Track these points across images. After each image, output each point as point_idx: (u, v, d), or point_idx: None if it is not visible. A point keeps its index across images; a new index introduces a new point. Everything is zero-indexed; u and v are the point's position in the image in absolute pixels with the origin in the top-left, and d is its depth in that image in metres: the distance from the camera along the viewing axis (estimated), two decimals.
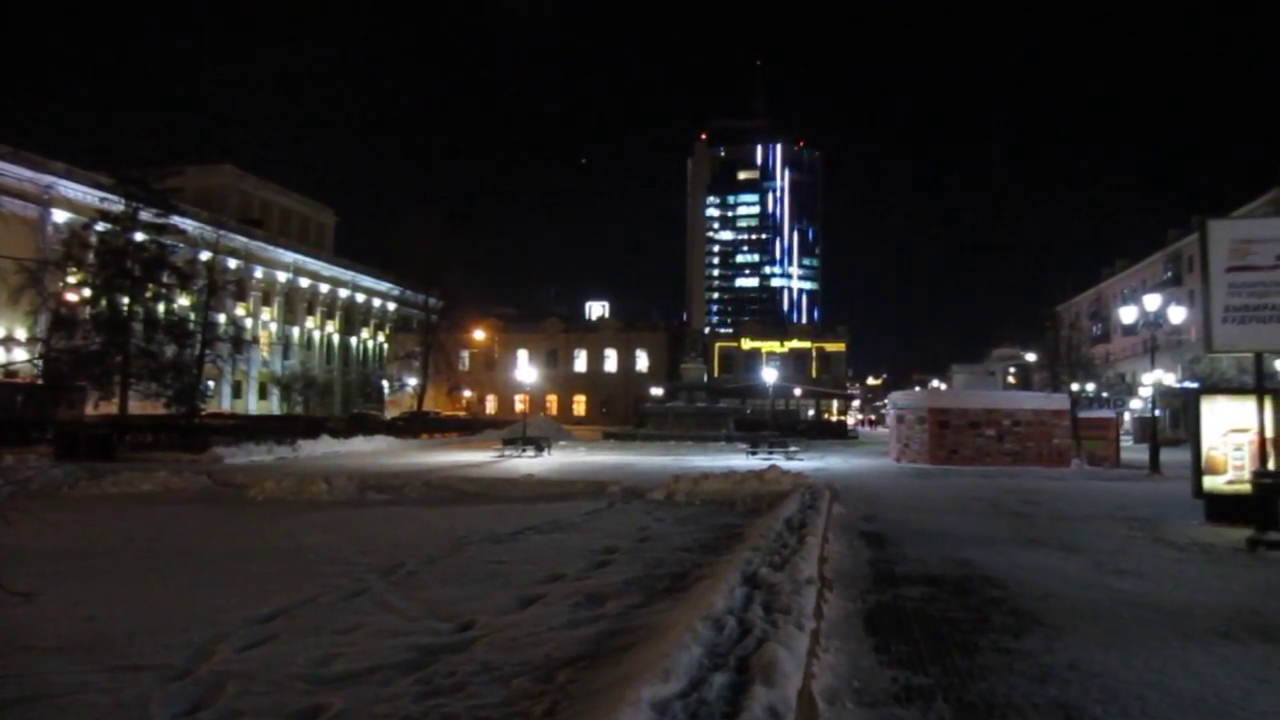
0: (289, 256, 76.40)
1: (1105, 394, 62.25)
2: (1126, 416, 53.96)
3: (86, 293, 38.06)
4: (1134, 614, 7.09)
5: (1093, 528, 12.81)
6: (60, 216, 51.08)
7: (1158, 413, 33.85)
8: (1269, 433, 11.88)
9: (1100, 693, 5.08)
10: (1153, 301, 24.88)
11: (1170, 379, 51.67)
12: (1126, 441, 38.10)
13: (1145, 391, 48.19)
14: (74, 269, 38.48)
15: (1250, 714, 4.81)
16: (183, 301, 41.36)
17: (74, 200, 51.56)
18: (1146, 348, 28.26)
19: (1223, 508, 12.63)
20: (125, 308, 36.99)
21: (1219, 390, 18.18)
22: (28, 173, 51.10)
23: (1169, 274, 65.59)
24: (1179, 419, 49.22)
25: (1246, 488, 11.78)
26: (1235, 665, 5.68)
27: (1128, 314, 27.16)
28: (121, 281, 37.00)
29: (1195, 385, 37.06)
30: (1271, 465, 11.46)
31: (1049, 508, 15.58)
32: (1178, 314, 26.62)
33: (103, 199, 39.76)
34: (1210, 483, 12.96)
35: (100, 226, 38.68)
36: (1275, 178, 53.15)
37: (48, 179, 52.05)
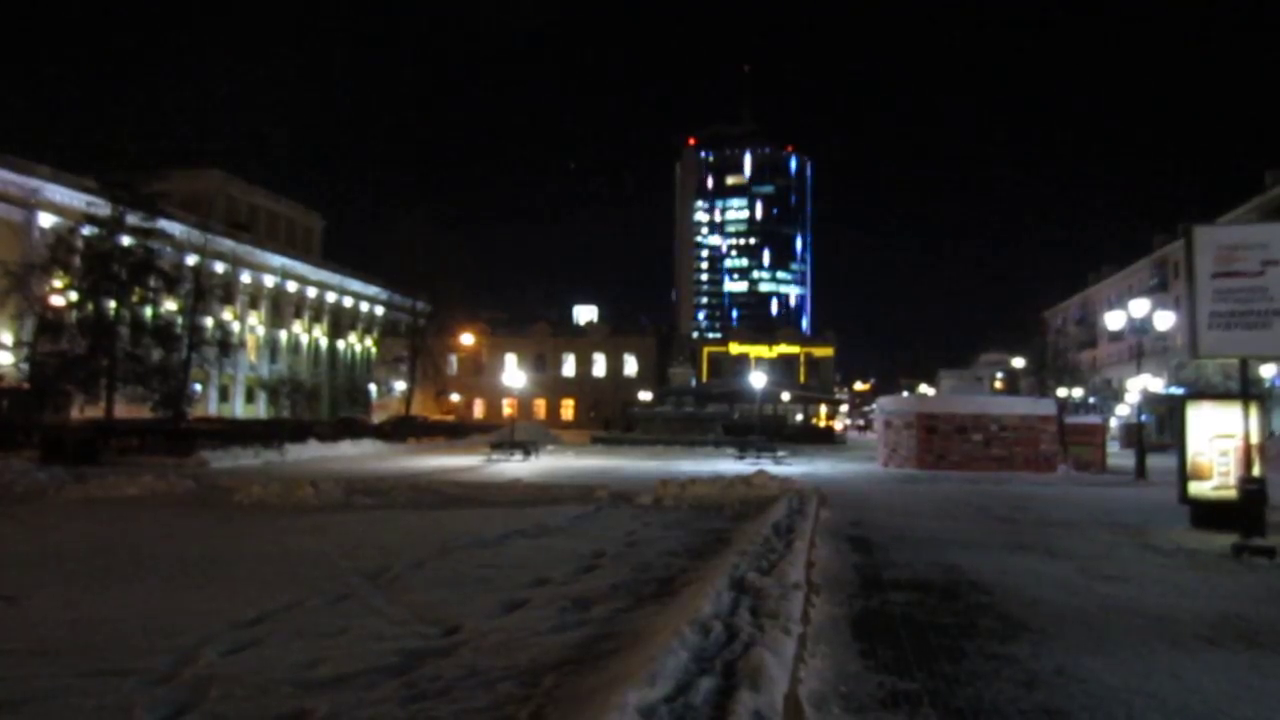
0: (276, 260, 76.06)
1: (1092, 399, 62.48)
2: (1113, 422, 54.22)
3: (73, 296, 37.83)
4: (1120, 620, 7.11)
5: (1079, 533, 12.87)
6: (46, 220, 50.70)
7: (1144, 418, 34.02)
8: (1254, 438, 11.93)
9: (1086, 698, 5.09)
10: (1139, 307, 24.99)
11: (1156, 384, 51.90)
12: (1113, 447, 38.33)
13: (1132, 397, 48.40)
14: (60, 273, 38.23)
15: None
16: (169, 305, 41.16)
17: (60, 204, 51.21)
18: (1133, 353, 28.41)
19: (1208, 513, 12.67)
20: (111, 311, 36.78)
21: (1205, 396, 18.29)
22: (13, 176, 50.75)
23: (1155, 280, 65.95)
24: (1165, 425, 49.48)
25: (1232, 493, 11.83)
26: (1221, 671, 5.70)
27: (1114, 320, 27.29)
28: (108, 285, 36.78)
29: (1181, 391, 37.23)
30: (1257, 471, 11.50)
31: (1036, 513, 15.63)
32: (1164, 320, 26.75)
33: (89, 203, 39.52)
34: (1196, 488, 13.00)
35: (86, 230, 38.48)
36: (1261, 184, 53.52)
37: (34, 182, 51.70)
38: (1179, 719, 4.82)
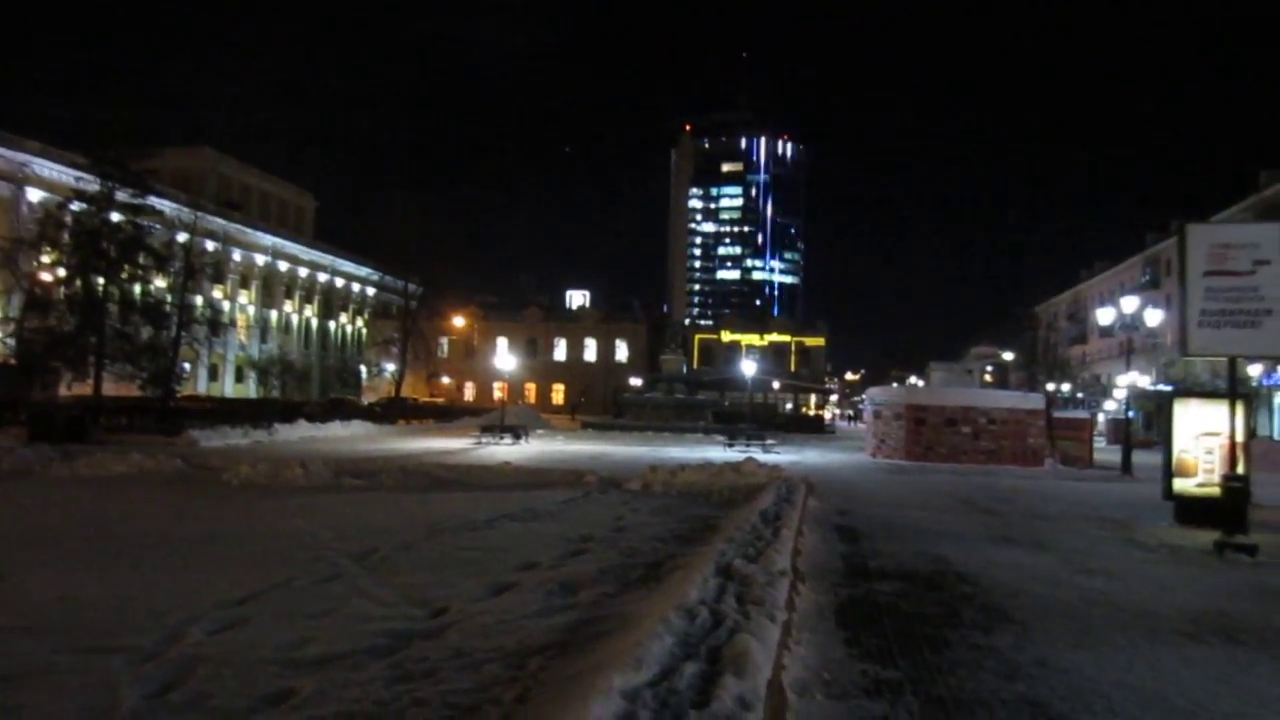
0: (268, 240, 75.81)
1: (1080, 395, 62.82)
2: (1101, 418, 54.42)
3: (61, 273, 37.53)
4: (1102, 613, 7.17)
5: (1064, 527, 12.94)
6: (35, 195, 50.47)
7: (1131, 414, 34.19)
8: (1239, 437, 12.01)
9: (1067, 690, 5.14)
10: (1130, 304, 25.07)
11: (1145, 381, 52.17)
12: (1100, 442, 38.46)
13: (1120, 393, 48.65)
14: (48, 249, 37.98)
15: (1214, 714, 4.88)
16: (159, 283, 40.85)
17: (49, 179, 50.94)
18: (1122, 350, 28.48)
19: (1192, 510, 12.76)
20: (100, 289, 36.48)
21: (1192, 393, 18.38)
22: (2, 150, 50.46)
23: (1146, 277, 66.01)
24: (1152, 421, 49.69)
25: (1216, 490, 11.92)
26: (1200, 666, 5.76)
27: (1105, 316, 27.40)
28: (97, 262, 36.46)
29: (1169, 388, 37.44)
30: (1241, 469, 11.58)
31: (1022, 506, 15.71)
32: (1154, 317, 26.80)
33: (78, 178, 39.25)
34: (1180, 485, 13.09)
35: (75, 206, 38.17)
36: (1255, 184, 53.65)
37: (22, 157, 51.38)
38: (1158, 711, 4.87)
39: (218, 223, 61.31)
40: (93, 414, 29.43)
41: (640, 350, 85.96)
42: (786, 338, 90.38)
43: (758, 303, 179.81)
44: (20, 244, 37.98)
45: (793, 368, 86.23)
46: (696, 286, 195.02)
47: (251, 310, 74.10)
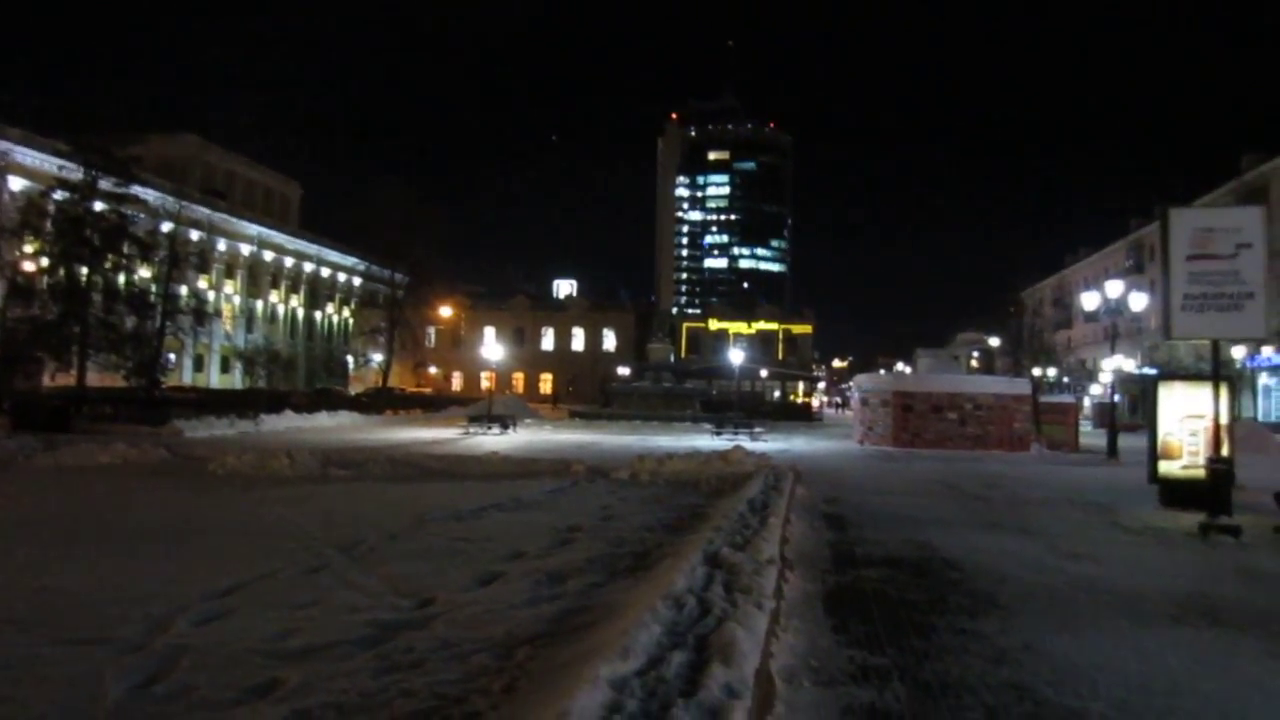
0: (253, 229, 75.27)
1: (1066, 379, 63.17)
2: (1086, 402, 54.78)
3: (44, 262, 37.24)
4: (1087, 597, 7.21)
5: (1050, 512, 13.00)
6: (16, 184, 49.88)
7: (1117, 399, 34.39)
8: (1223, 419, 12.09)
9: (1052, 674, 5.17)
10: (1114, 288, 25.16)
11: (1130, 365, 52.46)
12: (1086, 427, 38.70)
13: (1105, 377, 48.89)
14: (31, 237, 37.63)
15: (1197, 696, 4.91)
16: (143, 273, 40.61)
17: (31, 167, 50.34)
18: (1107, 334, 28.59)
19: (1177, 493, 12.86)
20: (84, 278, 36.23)
21: (1176, 377, 18.47)
22: None
23: (1131, 262, 66.31)
24: (1137, 405, 50.01)
25: (1200, 473, 12.00)
26: (1184, 649, 5.79)
27: (1090, 301, 27.47)
28: (80, 251, 36.19)
29: (1154, 372, 37.65)
30: (1225, 451, 11.66)
31: (1008, 492, 15.78)
32: (1138, 301, 26.93)
33: (61, 166, 38.82)
34: (1165, 468, 13.19)
35: (58, 194, 37.80)
36: (1237, 168, 53.91)
37: (3, 145, 50.69)
38: (1142, 694, 4.89)
39: (202, 211, 60.70)
40: (76, 404, 29.24)
41: (628, 339, 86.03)
42: (774, 326, 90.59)
43: (745, 287, 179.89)
44: (2, 232, 37.58)
45: (780, 356, 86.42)
46: (684, 275, 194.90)
47: (237, 300, 73.65)
